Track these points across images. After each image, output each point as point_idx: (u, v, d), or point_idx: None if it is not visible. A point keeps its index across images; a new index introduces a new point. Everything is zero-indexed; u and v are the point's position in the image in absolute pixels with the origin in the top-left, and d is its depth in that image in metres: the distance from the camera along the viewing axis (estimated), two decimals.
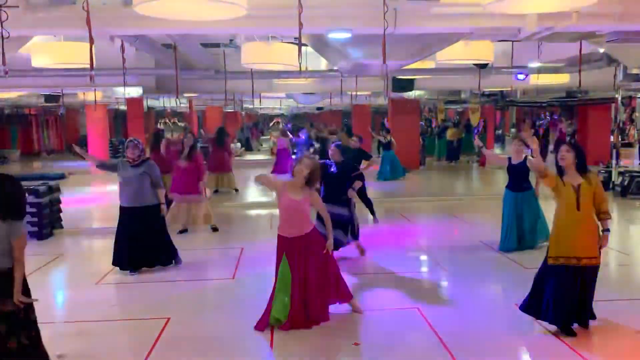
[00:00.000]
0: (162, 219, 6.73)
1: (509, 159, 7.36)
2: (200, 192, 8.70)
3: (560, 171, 4.62)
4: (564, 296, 4.53)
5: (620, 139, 13.38)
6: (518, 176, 7.24)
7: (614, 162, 12.47)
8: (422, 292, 6.03)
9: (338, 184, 6.73)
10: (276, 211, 11.29)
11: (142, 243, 6.50)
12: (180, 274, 6.68)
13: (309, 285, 4.88)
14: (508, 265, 6.93)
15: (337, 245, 6.65)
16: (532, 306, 4.76)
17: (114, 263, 6.58)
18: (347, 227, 6.87)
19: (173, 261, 6.87)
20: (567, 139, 21.29)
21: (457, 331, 4.84)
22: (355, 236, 7.09)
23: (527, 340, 4.81)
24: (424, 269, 7.14)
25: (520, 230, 7.36)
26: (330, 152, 7.14)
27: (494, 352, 4.47)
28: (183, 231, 8.56)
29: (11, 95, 15.35)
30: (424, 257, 7.54)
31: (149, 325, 5.20)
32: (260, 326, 4.87)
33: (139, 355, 4.44)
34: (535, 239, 7.34)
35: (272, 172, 16.78)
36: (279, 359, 4.44)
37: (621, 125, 13.70)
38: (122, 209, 6.54)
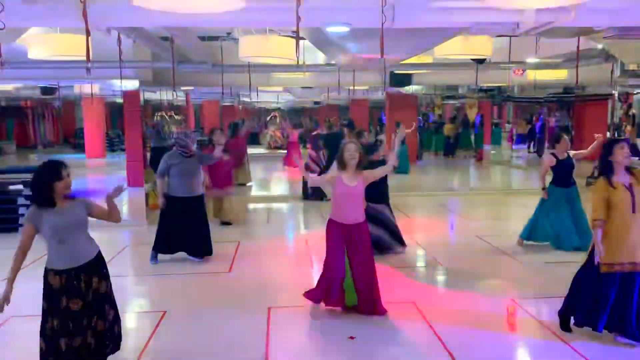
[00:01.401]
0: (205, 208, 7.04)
1: (554, 155, 7.16)
2: (232, 185, 9.08)
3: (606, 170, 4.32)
4: (613, 304, 4.31)
5: (616, 135, 13.40)
6: (567, 172, 7.16)
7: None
8: (418, 286, 6.06)
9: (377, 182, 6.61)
10: (273, 205, 11.32)
11: (193, 232, 6.72)
12: (177, 267, 6.68)
13: (358, 275, 4.96)
14: (504, 260, 6.95)
15: (382, 248, 6.76)
16: (586, 317, 4.47)
17: (156, 249, 6.78)
18: (390, 229, 6.96)
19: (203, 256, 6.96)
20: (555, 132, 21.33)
21: (452, 325, 4.86)
22: (402, 241, 7.21)
23: (522, 334, 4.84)
24: (420, 263, 7.17)
25: (558, 226, 7.18)
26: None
27: (489, 347, 4.49)
28: None
29: (7, 87, 15.26)
30: (420, 252, 7.56)
31: (145, 319, 5.21)
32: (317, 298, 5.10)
33: (135, 349, 4.44)
34: (573, 243, 7.07)
35: (284, 164, 16.84)
36: (275, 351, 4.44)
37: (617, 121, 13.73)
38: (174, 199, 6.61)
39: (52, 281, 3.60)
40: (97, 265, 3.77)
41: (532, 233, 7.38)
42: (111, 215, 3.85)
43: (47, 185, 3.53)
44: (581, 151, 7.46)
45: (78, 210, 3.67)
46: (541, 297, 5.63)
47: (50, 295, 3.60)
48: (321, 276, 5.09)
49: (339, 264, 4.90)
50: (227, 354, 4.44)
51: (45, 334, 3.58)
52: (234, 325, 4.97)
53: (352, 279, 4.96)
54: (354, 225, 4.91)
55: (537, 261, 6.89)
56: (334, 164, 5.12)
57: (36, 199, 3.60)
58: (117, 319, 3.92)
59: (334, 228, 4.94)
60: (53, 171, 3.56)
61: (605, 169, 4.35)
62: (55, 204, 3.57)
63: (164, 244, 6.75)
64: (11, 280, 3.53)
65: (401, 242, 7.24)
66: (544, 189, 7.26)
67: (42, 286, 3.67)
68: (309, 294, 5.14)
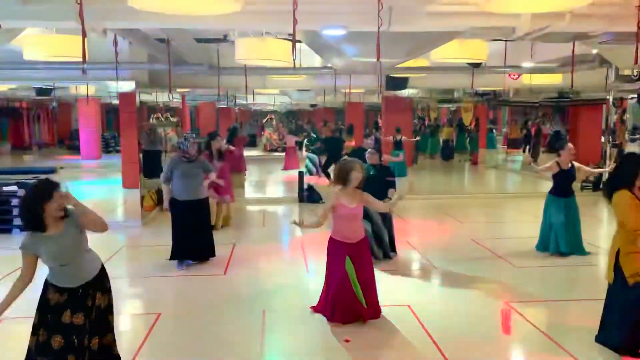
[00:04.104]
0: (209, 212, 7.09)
1: (557, 164, 7.11)
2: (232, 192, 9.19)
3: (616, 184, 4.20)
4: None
5: (611, 140, 13.48)
6: (567, 182, 7.14)
7: (607, 162, 12.57)
8: (413, 289, 6.06)
9: (375, 188, 6.62)
10: (269, 207, 11.28)
11: (196, 235, 6.76)
12: (172, 269, 6.66)
13: (366, 285, 5.00)
14: (499, 264, 6.97)
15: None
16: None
17: (174, 257, 6.74)
18: (381, 239, 6.99)
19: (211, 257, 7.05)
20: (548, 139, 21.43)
21: (447, 328, 4.87)
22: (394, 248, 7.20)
23: (516, 337, 4.85)
24: (415, 266, 7.17)
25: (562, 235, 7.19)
26: (367, 154, 7.12)
27: (484, 350, 4.50)
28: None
29: (2, 88, 15.20)
30: (415, 255, 7.57)
31: (140, 321, 5.20)
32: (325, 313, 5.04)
33: (130, 351, 4.42)
34: (560, 248, 7.12)
35: (284, 169, 16.84)
36: (270, 354, 4.44)
37: (612, 126, 13.80)
38: (179, 202, 6.67)
39: (51, 296, 3.44)
40: (101, 280, 3.64)
41: (544, 244, 7.37)
42: (93, 224, 3.50)
43: (36, 208, 3.29)
44: (586, 169, 7.41)
45: (73, 230, 3.46)
46: (536, 300, 5.64)
47: (44, 309, 3.45)
48: (325, 293, 5.08)
49: (345, 278, 4.90)
50: (222, 356, 4.43)
51: (32, 348, 3.43)
52: (229, 328, 4.96)
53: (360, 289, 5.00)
54: (356, 242, 4.99)
55: (532, 265, 6.91)
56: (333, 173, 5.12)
57: (26, 225, 3.37)
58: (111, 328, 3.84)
59: (337, 246, 4.97)
60: (42, 192, 3.32)
61: (627, 182, 4.15)
62: (46, 229, 3.35)
63: (179, 250, 6.76)
64: (2, 310, 3.37)
65: (392, 249, 7.22)
66: (530, 163, 7.23)
67: (32, 288, 3.54)
68: (319, 310, 5.14)
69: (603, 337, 4.37)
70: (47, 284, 3.50)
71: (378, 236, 6.94)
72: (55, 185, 3.40)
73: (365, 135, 10.44)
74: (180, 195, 6.65)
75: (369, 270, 5.08)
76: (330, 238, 5.04)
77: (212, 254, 7.02)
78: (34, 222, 3.35)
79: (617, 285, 4.22)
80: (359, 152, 8.14)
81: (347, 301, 4.88)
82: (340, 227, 4.97)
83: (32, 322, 3.51)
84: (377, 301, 5.13)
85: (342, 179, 4.93)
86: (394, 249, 7.23)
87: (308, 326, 4.97)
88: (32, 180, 8.71)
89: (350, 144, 13.69)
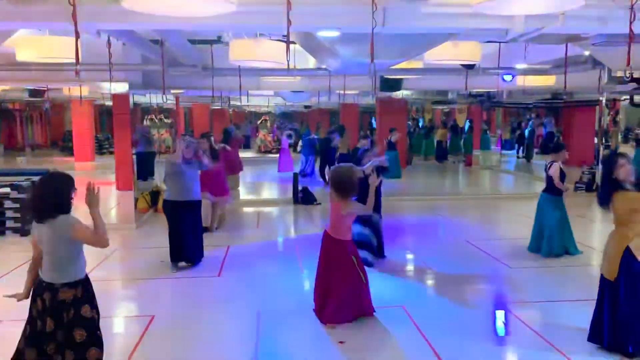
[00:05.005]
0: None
1: (554, 164, 7.15)
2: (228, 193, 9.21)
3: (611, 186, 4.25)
4: None
5: (604, 141, 13.57)
6: (561, 181, 7.19)
7: (599, 164, 12.63)
8: (408, 291, 6.06)
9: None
10: (263, 209, 11.27)
11: (193, 235, 6.78)
12: (166, 271, 6.64)
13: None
14: (493, 265, 6.98)
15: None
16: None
17: (173, 259, 6.74)
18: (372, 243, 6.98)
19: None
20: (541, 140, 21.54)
21: (442, 329, 4.87)
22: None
23: (512, 339, 4.86)
24: (410, 267, 7.17)
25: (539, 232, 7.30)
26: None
27: (479, 351, 4.50)
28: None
29: None
30: (409, 256, 7.57)
31: (134, 323, 5.18)
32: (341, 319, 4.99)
33: (123, 353, 4.40)
34: (553, 251, 7.15)
35: (279, 171, 16.84)
36: (264, 356, 4.43)
37: (605, 127, 13.87)
38: (176, 203, 6.65)
39: (64, 294, 3.45)
40: None
41: (537, 245, 7.37)
42: None
43: (70, 192, 3.50)
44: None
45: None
46: (531, 302, 5.66)
47: (57, 309, 3.46)
48: (335, 298, 4.99)
49: (357, 276, 5.02)
50: (216, 359, 4.42)
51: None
52: (223, 330, 4.95)
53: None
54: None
55: (526, 266, 6.93)
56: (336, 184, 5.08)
57: (66, 207, 3.48)
58: None
59: (344, 247, 5.02)
60: (69, 179, 3.53)
61: (614, 186, 4.22)
62: None
63: (177, 252, 6.74)
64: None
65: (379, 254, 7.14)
66: (567, 189, 7.21)
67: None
68: (332, 319, 4.99)
69: (604, 339, 4.31)
70: (55, 289, 3.43)
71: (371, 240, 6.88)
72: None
73: (361, 137, 10.48)
74: (178, 196, 6.64)
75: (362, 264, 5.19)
76: (339, 240, 5.01)
77: (201, 255, 7.01)
78: (69, 204, 3.48)
79: (621, 283, 4.15)
80: (355, 154, 8.12)
81: (356, 300, 5.00)
82: (348, 228, 5.07)
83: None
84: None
85: (354, 189, 5.00)
86: (382, 254, 7.16)
87: (303, 328, 4.96)
88: (25, 183, 8.69)
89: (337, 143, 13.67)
